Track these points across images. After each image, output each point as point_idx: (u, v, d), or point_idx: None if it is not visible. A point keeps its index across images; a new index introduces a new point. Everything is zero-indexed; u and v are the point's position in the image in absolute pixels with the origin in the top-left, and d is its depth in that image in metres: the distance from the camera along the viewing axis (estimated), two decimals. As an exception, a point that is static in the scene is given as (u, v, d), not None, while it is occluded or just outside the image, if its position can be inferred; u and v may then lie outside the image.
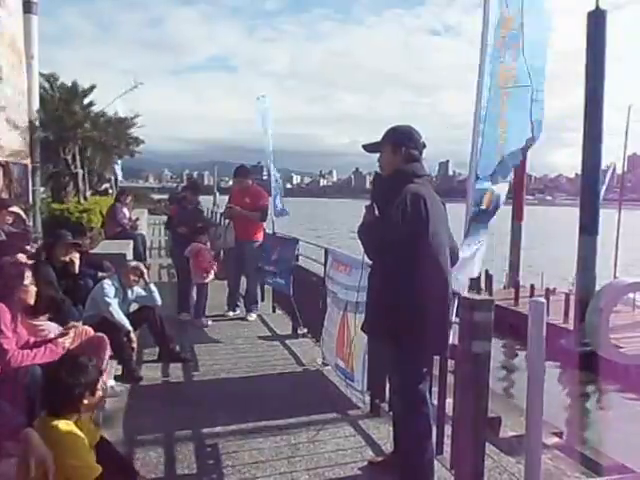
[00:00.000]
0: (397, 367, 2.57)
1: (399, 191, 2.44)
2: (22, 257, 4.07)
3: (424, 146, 2.64)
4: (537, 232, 29.10)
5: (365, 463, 2.92)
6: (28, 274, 3.10)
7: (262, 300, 6.89)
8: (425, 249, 2.43)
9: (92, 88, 12.50)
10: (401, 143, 2.59)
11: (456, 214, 2.97)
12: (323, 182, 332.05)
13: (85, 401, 2.18)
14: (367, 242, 2.56)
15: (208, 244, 6.24)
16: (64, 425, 2.07)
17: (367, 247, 2.57)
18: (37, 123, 8.95)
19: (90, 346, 3.52)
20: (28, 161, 8.65)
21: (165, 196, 22.19)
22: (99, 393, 2.28)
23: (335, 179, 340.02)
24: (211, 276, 6.10)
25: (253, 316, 6.25)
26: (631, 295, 10.33)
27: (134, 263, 4.83)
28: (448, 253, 2.55)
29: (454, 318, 2.57)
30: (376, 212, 2.51)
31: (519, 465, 2.73)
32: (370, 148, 2.70)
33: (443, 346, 2.60)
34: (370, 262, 2.69)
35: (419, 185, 2.50)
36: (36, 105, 9.00)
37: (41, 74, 10.89)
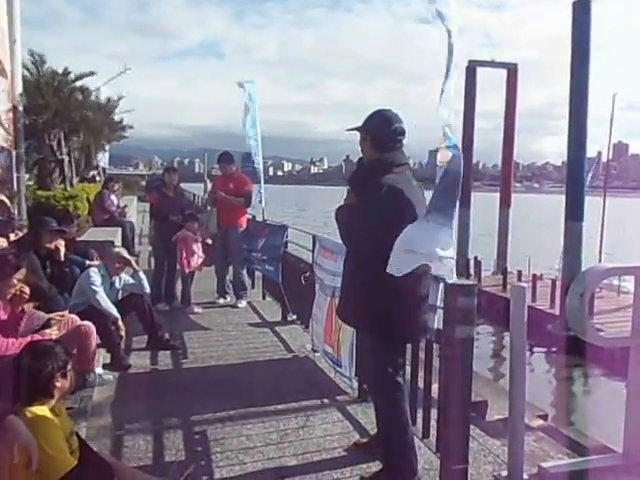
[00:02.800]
0: (369, 353, 2.57)
1: (376, 181, 2.40)
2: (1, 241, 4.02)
3: (403, 132, 2.54)
4: (524, 219, 29.31)
5: (352, 447, 2.95)
6: (17, 267, 3.06)
7: (252, 287, 6.89)
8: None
9: (91, 73, 12.34)
10: (374, 131, 2.52)
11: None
12: (314, 169, 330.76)
13: (57, 384, 2.14)
14: (343, 225, 2.55)
15: (198, 233, 6.21)
16: (39, 411, 2.04)
17: (342, 231, 2.56)
18: (20, 108, 8.78)
19: (77, 335, 3.51)
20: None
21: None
22: (71, 375, 2.23)
23: (326, 166, 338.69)
24: (195, 265, 6.08)
25: (243, 303, 6.25)
26: (615, 282, 10.49)
27: (116, 250, 4.74)
28: None
29: (439, 303, 2.59)
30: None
31: (504, 447, 2.77)
32: (352, 131, 2.64)
33: (416, 334, 2.59)
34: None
35: (397, 175, 2.44)
36: (19, 90, 8.82)
37: (31, 57, 10.66)
